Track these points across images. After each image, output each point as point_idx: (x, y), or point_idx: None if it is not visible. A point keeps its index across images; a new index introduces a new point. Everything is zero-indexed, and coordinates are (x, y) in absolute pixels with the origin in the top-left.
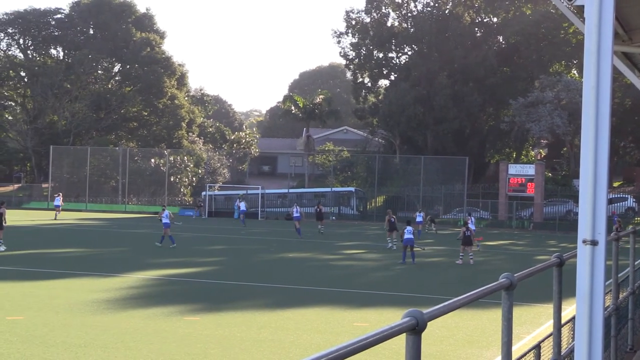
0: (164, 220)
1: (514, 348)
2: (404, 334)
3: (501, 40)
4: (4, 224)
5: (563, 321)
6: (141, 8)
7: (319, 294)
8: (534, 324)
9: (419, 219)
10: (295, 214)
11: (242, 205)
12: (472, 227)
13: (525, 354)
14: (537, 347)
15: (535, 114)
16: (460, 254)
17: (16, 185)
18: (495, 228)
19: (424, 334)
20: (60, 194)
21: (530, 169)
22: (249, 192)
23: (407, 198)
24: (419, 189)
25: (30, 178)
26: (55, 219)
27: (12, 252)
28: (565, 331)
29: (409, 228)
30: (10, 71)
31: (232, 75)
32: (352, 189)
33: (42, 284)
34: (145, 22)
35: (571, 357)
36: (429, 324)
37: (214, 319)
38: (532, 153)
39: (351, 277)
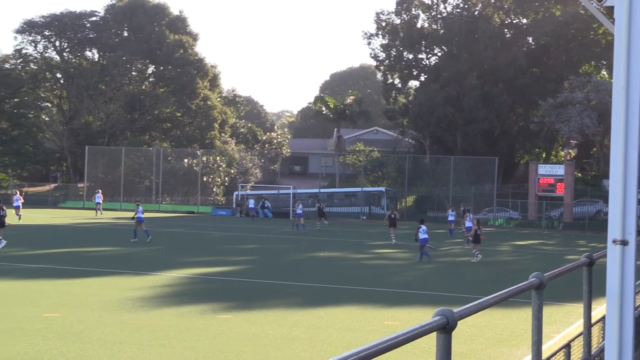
0: (138, 215)
1: (544, 347)
2: (435, 332)
3: (531, 41)
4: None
5: (593, 321)
6: (174, 10)
7: (349, 293)
8: (564, 323)
9: (450, 217)
10: (298, 211)
11: (251, 203)
12: (468, 224)
13: (555, 353)
14: (567, 347)
15: (565, 114)
16: (475, 252)
17: (52, 185)
18: (525, 228)
19: (453, 333)
20: (100, 191)
21: (559, 169)
22: (281, 192)
23: (437, 198)
24: (449, 189)
25: (66, 178)
26: (97, 216)
27: (48, 250)
28: (595, 331)
29: (424, 227)
30: (47, 73)
31: (263, 76)
32: (382, 188)
33: (78, 281)
34: (179, 24)
35: (601, 357)
36: (459, 322)
37: (246, 317)
38: (562, 153)
39: (382, 277)
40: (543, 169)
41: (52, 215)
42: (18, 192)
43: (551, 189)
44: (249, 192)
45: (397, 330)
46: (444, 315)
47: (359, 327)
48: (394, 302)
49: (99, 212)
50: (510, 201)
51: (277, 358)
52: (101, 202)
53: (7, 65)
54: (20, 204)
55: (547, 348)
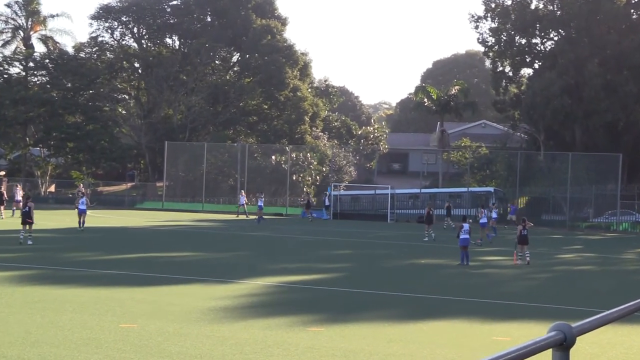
0: (80, 207)
1: None
2: (550, 349)
3: None
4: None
5: None
6: None
7: (454, 304)
8: None
9: (494, 215)
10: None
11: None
12: (483, 220)
13: None
14: None
15: None
16: (519, 254)
17: (129, 184)
18: None
19: (572, 350)
20: (243, 192)
21: None
22: (378, 192)
23: (552, 199)
24: (566, 189)
25: (144, 176)
26: (237, 217)
27: (124, 255)
28: None
29: (466, 226)
30: (124, 62)
31: (359, 64)
32: (491, 189)
33: (156, 289)
34: (266, 7)
35: None
36: (577, 339)
37: (339, 331)
38: None
39: (489, 286)
40: None
41: (129, 216)
42: (19, 186)
43: None
44: (341, 192)
45: (507, 346)
46: (561, 330)
47: (465, 343)
48: (503, 315)
49: (241, 214)
50: (636, 203)
51: None
52: (244, 204)
53: (81, 54)
54: (20, 199)
55: None
